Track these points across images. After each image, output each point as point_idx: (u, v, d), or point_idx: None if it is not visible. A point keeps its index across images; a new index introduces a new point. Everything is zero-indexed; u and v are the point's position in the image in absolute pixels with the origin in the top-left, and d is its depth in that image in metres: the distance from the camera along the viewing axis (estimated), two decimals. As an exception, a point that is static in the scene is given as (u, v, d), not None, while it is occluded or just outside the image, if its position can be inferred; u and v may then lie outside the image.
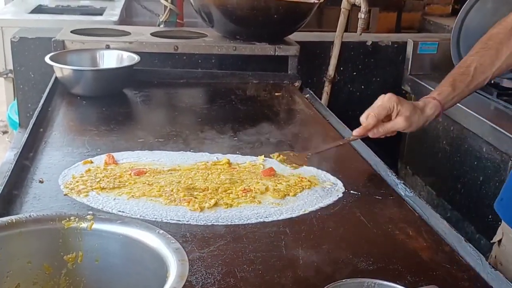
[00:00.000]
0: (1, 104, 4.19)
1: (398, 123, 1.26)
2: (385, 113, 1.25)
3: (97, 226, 0.70)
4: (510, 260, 1.17)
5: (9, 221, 0.68)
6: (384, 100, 1.26)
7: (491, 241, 1.25)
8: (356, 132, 1.28)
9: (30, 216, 0.69)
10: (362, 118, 1.26)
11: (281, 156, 1.25)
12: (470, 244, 0.97)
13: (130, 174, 1.18)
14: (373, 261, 0.93)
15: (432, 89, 2.11)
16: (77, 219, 0.70)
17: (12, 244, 0.68)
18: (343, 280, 0.74)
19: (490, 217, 1.80)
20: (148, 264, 0.66)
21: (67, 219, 0.70)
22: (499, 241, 1.21)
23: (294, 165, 1.23)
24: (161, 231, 0.67)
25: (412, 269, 0.91)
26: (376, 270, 0.90)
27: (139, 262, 0.68)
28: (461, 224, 1.95)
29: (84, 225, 0.70)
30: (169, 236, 0.66)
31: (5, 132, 4.03)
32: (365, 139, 1.45)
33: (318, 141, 1.45)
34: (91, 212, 0.71)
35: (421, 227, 1.05)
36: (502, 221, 1.21)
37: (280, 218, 1.06)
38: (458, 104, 1.95)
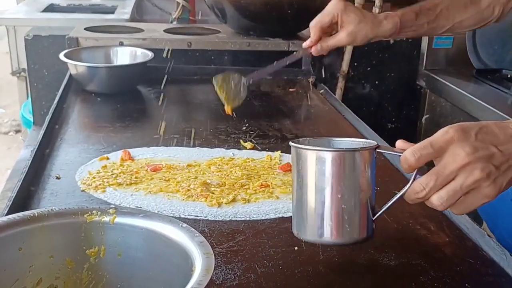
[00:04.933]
0: (14, 103, 4.22)
1: (340, 40, 1.16)
2: (328, 20, 1.16)
3: (119, 220, 0.69)
4: None
5: (31, 215, 0.68)
6: (329, 6, 1.17)
7: None
8: (305, 44, 1.20)
9: (52, 210, 0.69)
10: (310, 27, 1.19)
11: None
12: (493, 239, 0.95)
13: (146, 170, 1.18)
14: (395, 256, 0.91)
15: (448, 83, 2.12)
16: (99, 213, 0.69)
17: (34, 238, 0.68)
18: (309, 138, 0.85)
19: (508, 212, 1.77)
20: (171, 258, 0.66)
21: (89, 213, 0.69)
22: None
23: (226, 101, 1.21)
24: (185, 225, 0.67)
25: (435, 264, 0.89)
26: (398, 265, 0.89)
27: (162, 256, 0.67)
28: (479, 219, 1.93)
29: (106, 219, 0.69)
30: (193, 229, 0.66)
31: (18, 131, 4.05)
32: (381, 134, 1.44)
33: (335, 136, 1.44)
34: (113, 206, 0.71)
35: (443, 222, 1.03)
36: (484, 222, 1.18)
37: (299, 213, 1.04)
38: (474, 98, 1.96)
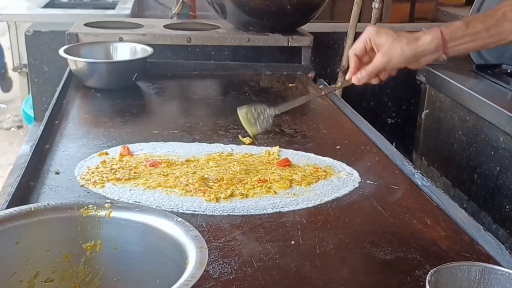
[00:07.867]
0: (16, 99, 4.24)
1: (376, 61, 1.13)
2: (361, 46, 1.15)
3: (115, 214, 0.70)
4: None
5: (28, 209, 0.68)
6: (363, 33, 1.15)
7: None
8: (348, 75, 1.21)
9: (48, 204, 0.70)
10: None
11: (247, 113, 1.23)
12: (489, 233, 0.95)
13: (145, 165, 1.18)
14: (391, 250, 0.92)
15: (448, 79, 2.11)
16: (95, 207, 0.70)
17: (31, 232, 0.68)
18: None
19: (507, 207, 1.77)
20: (166, 251, 0.66)
21: (86, 207, 0.70)
22: None
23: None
24: (179, 219, 0.67)
25: (431, 258, 0.90)
26: (394, 260, 0.90)
27: (157, 250, 0.68)
28: (478, 214, 1.93)
29: (102, 213, 0.70)
30: (188, 224, 0.66)
31: (20, 127, 4.07)
32: (380, 130, 1.44)
33: (333, 131, 1.44)
34: (109, 200, 0.71)
35: (439, 217, 1.04)
36: None
37: (296, 208, 1.05)
38: (473, 93, 1.95)
